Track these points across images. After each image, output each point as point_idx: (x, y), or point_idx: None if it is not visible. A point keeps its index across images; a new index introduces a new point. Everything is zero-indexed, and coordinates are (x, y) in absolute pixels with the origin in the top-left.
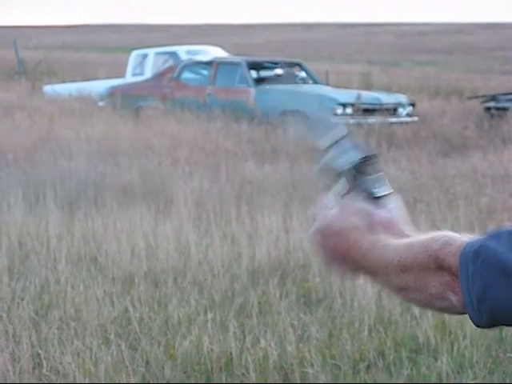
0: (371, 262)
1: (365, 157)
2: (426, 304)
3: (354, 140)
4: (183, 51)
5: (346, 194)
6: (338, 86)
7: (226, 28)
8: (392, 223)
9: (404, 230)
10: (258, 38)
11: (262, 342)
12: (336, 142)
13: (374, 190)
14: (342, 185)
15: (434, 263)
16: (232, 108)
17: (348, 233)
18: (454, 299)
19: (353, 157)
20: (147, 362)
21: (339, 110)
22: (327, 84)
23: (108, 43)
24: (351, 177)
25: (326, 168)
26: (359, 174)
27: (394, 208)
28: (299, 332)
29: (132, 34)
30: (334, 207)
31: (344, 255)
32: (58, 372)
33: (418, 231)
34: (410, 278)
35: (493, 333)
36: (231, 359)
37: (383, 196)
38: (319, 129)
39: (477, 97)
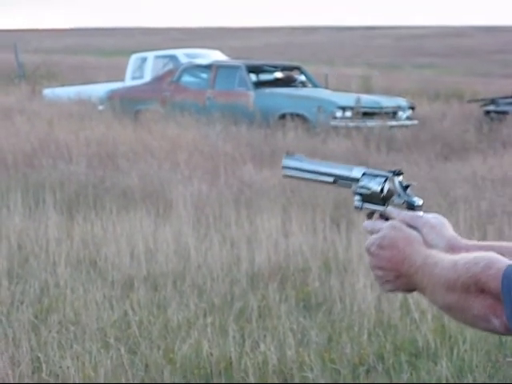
0: (422, 278)
1: (400, 172)
2: (471, 324)
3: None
4: (183, 54)
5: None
6: (337, 90)
7: (225, 31)
8: (440, 225)
9: (451, 233)
10: (257, 42)
11: (262, 346)
12: (364, 174)
13: (414, 200)
14: (393, 202)
15: (475, 286)
16: (231, 111)
17: (404, 245)
18: (497, 322)
19: (381, 181)
20: (146, 366)
21: (339, 114)
22: (326, 87)
23: (107, 46)
24: (389, 195)
25: (361, 192)
26: (393, 191)
27: (434, 215)
28: (299, 336)
29: (131, 37)
30: (384, 223)
31: (398, 267)
32: (58, 376)
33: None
34: (454, 298)
35: (492, 337)
36: (230, 363)
37: (421, 205)
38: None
39: (476, 100)
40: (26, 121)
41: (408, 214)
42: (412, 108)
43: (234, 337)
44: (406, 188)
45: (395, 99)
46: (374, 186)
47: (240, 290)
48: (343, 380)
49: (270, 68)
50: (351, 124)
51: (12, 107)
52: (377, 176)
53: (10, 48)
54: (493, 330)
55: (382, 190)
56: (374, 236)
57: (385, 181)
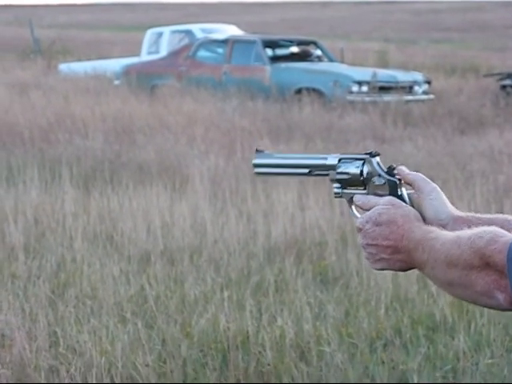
0: (422, 254)
1: (376, 153)
2: (472, 300)
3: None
4: (198, 29)
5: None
6: (353, 64)
7: (240, 6)
8: (441, 193)
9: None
10: (273, 16)
11: (279, 320)
12: (340, 160)
13: (395, 179)
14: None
15: (480, 260)
16: (247, 86)
17: (403, 221)
18: (501, 297)
19: (359, 164)
20: (163, 341)
21: (355, 88)
22: (342, 62)
23: (122, 22)
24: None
25: (339, 178)
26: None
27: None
28: (316, 310)
29: (146, 12)
30: (378, 200)
31: (397, 243)
32: (75, 350)
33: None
34: (456, 274)
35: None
36: (248, 337)
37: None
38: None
39: (493, 75)
40: (42, 96)
41: (418, 174)
42: (428, 82)
43: (250, 311)
44: (388, 169)
45: (411, 74)
46: (353, 169)
47: (257, 265)
48: (360, 354)
49: (286, 43)
50: (367, 98)
51: (28, 82)
52: (354, 160)
53: (25, 23)
54: (496, 306)
55: (361, 172)
56: (368, 213)
57: (363, 163)
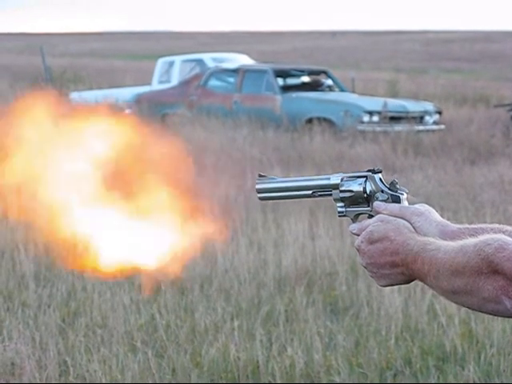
0: (422, 266)
1: (379, 170)
2: (477, 307)
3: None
4: (210, 59)
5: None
6: (364, 94)
7: (252, 35)
8: (427, 212)
9: (440, 218)
10: (284, 46)
11: (289, 349)
12: (343, 179)
13: (398, 193)
14: (378, 197)
15: (488, 267)
16: (258, 115)
17: (395, 234)
18: (509, 303)
19: (361, 181)
20: (174, 370)
21: (365, 118)
22: (353, 91)
23: (134, 50)
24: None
25: (343, 196)
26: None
27: (419, 204)
28: (326, 340)
29: (158, 41)
30: (369, 221)
31: (393, 258)
32: (85, 379)
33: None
34: (462, 281)
35: None
36: (258, 367)
37: (406, 197)
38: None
39: (503, 105)
40: None
41: (395, 206)
42: (439, 112)
43: (261, 340)
44: (391, 184)
45: (422, 103)
46: (356, 187)
47: (267, 294)
48: None
49: (297, 72)
50: (378, 128)
51: None
52: (356, 177)
53: (37, 51)
54: (503, 312)
55: (364, 189)
56: (363, 233)
57: (365, 180)
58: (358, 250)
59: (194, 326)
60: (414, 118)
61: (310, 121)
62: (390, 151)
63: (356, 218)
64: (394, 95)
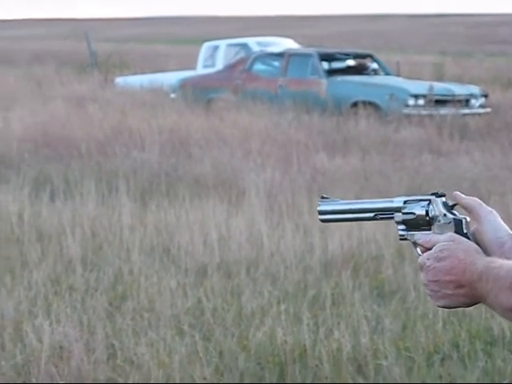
0: (486, 284)
1: (442, 194)
2: None
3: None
4: (254, 43)
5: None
6: (409, 78)
7: (296, 19)
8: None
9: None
10: (328, 30)
11: (336, 333)
12: (406, 201)
13: (461, 217)
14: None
15: None
16: (303, 99)
17: (464, 256)
18: None
19: (424, 204)
20: (221, 353)
21: (411, 102)
22: (398, 75)
23: (178, 35)
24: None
25: (405, 219)
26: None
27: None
28: (373, 324)
29: (203, 25)
30: (438, 238)
31: (459, 278)
32: (133, 362)
33: None
34: None
35: None
36: (305, 351)
37: (469, 222)
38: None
39: None
40: (99, 109)
41: (475, 200)
42: (485, 96)
43: (307, 324)
44: (451, 207)
45: (468, 87)
46: (418, 209)
47: (313, 278)
48: (418, 368)
49: (342, 56)
50: (424, 112)
51: (85, 96)
52: (419, 200)
53: (82, 37)
54: None
55: (427, 212)
56: (430, 251)
57: (428, 204)
58: (421, 267)
59: (241, 309)
60: (459, 101)
61: (355, 104)
62: (435, 135)
63: (416, 244)
64: (440, 78)
